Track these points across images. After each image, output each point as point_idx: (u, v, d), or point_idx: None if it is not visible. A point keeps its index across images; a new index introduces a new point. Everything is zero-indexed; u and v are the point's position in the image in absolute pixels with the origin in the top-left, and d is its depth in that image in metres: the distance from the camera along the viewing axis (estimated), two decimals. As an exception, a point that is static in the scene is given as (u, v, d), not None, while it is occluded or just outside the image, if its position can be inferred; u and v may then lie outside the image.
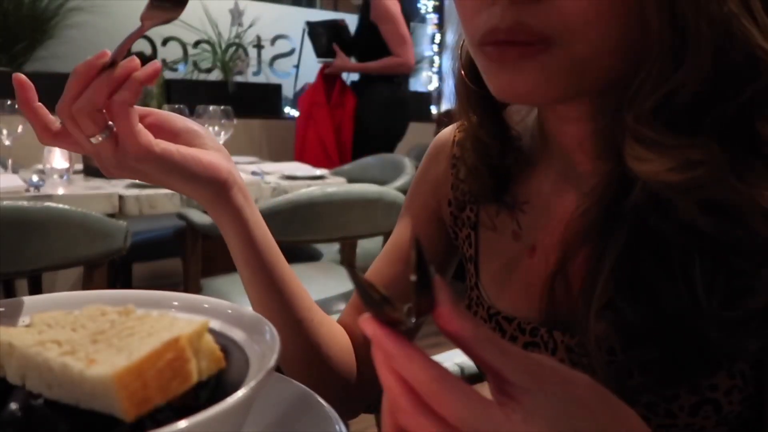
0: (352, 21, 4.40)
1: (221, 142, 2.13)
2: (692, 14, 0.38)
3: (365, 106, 3.02)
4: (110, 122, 0.47)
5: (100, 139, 0.47)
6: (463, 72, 0.53)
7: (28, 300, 0.42)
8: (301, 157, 2.95)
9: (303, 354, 0.58)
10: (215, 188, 0.53)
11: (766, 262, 0.40)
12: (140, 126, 0.48)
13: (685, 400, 0.43)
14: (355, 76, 3.21)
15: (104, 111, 0.47)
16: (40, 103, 0.48)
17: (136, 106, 0.48)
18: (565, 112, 0.49)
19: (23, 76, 0.47)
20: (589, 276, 0.45)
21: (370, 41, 2.90)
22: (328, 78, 3.05)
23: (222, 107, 2.13)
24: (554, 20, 0.39)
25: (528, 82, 0.42)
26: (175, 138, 0.52)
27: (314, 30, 3.23)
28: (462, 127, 0.61)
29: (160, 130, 0.52)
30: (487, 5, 0.41)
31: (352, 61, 3.06)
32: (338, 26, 3.15)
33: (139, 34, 0.47)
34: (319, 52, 3.16)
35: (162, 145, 0.49)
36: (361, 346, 0.63)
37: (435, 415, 0.27)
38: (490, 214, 0.58)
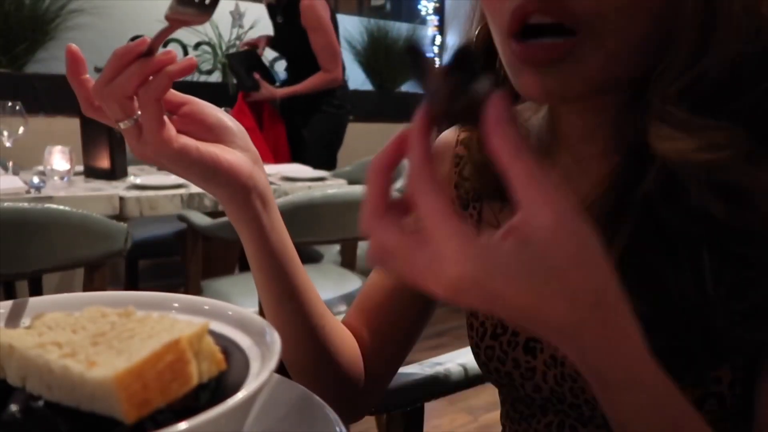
0: (352, 22, 4.41)
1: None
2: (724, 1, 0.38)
3: (308, 136, 2.91)
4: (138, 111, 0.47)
5: (126, 125, 0.47)
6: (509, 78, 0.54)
7: (29, 301, 0.42)
8: None
9: (313, 360, 0.58)
10: (232, 190, 0.52)
11: None
12: (165, 119, 0.48)
13: (690, 392, 0.43)
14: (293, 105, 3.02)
15: (135, 98, 0.47)
16: (87, 76, 0.49)
17: (177, 92, 0.50)
18: (575, 106, 0.50)
19: (75, 48, 0.48)
20: None
21: (299, 47, 2.80)
22: (253, 104, 2.91)
23: (222, 108, 2.13)
24: (585, 3, 0.39)
25: (557, 82, 0.42)
26: (207, 132, 0.52)
27: (233, 63, 3.04)
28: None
29: (193, 121, 0.51)
30: None
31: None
32: (254, 54, 2.97)
33: (169, 31, 0.47)
34: (245, 85, 2.92)
35: (182, 141, 0.49)
36: (367, 347, 0.63)
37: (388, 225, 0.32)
38: (494, 210, 0.58)
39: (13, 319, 0.41)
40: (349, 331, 0.64)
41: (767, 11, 0.38)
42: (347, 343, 0.61)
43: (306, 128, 2.93)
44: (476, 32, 0.53)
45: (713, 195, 0.40)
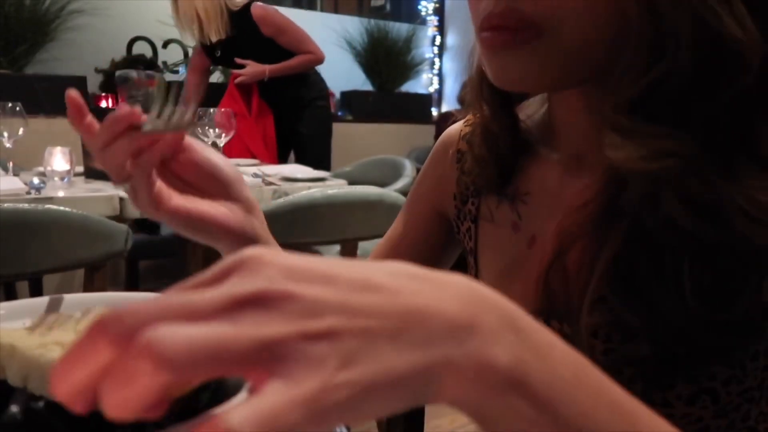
0: (352, 23, 4.41)
1: (222, 144, 2.14)
2: (669, 5, 0.39)
3: (307, 132, 2.90)
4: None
5: (123, 187, 0.52)
6: (482, 64, 0.55)
7: (29, 302, 0.42)
8: None
9: None
10: (227, 242, 0.55)
11: (752, 265, 0.40)
12: (157, 184, 0.51)
13: (682, 388, 0.43)
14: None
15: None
16: (89, 119, 0.51)
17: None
18: (571, 103, 0.51)
19: (75, 93, 0.49)
20: (584, 269, 0.46)
21: (271, 54, 2.77)
22: (242, 87, 2.86)
23: (223, 109, 2.13)
24: (545, 8, 0.42)
25: (519, 68, 0.45)
26: (202, 180, 0.54)
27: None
28: (469, 122, 0.63)
29: (189, 169, 0.54)
30: None
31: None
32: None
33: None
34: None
35: (173, 203, 0.52)
36: None
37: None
38: (490, 206, 0.59)
39: (13, 319, 0.40)
40: None
41: (714, 21, 0.38)
42: None
43: (301, 124, 2.91)
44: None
45: (680, 206, 0.40)
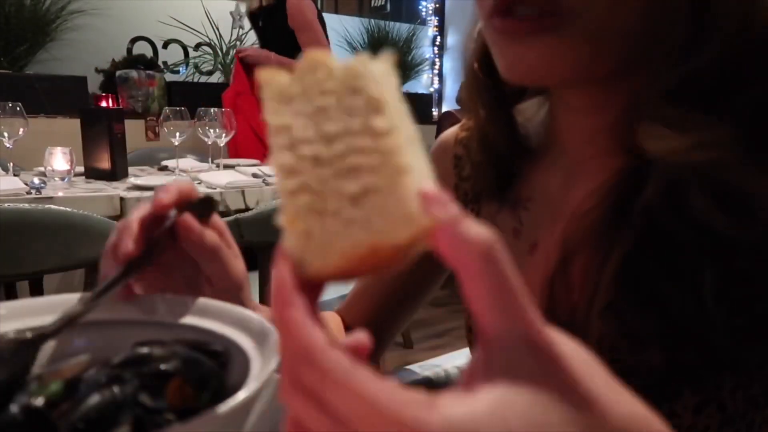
0: (352, 23, 4.41)
1: (222, 144, 2.14)
2: None
3: None
4: None
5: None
6: (476, 63, 0.52)
7: (29, 302, 0.42)
8: (236, 153, 2.79)
9: None
10: None
11: None
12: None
13: (689, 398, 0.42)
14: None
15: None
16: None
17: (193, 222, 0.44)
18: (575, 103, 0.48)
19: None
20: (589, 277, 0.44)
21: (287, 44, 2.75)
22: (247, 67, 2.86)
23: (223, 109, 2.13)
24: None
25: (539, 57, 0.40)
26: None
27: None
28: (466, 126, 0.61)
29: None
30: None
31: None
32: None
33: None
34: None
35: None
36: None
37: (315, 400, 0.21)
38: (491, 212, 0.57)
39: (13, 320, 0.40)
40: (340, 320, 0.66)
41: (761, 5, 0.37)
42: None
43: None
44: (476, 31, 0.53)
45: (712, 202, 0.38)
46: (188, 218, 0.44)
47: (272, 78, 0.25)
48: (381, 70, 0.25)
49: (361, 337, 0.24)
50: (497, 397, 0.20)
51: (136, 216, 0.43)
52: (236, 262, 0.48)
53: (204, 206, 0.45)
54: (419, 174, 0.23)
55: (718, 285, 0.39)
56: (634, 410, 0.22)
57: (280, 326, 0.22)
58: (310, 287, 0.23)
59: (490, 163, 0.55)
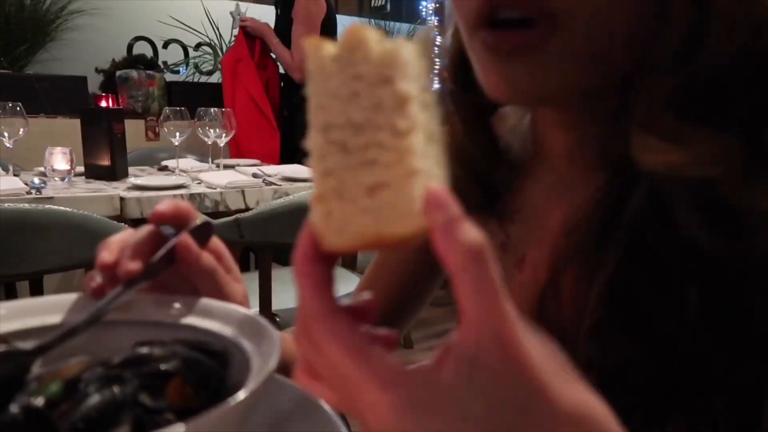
0: (353, 23, 4.40)
1: (222, 144, 2.14)
2: None
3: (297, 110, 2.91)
4: None
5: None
6: (451, 72, 0.49)
7: (29, 302, 0.42)
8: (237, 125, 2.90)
9: None
10: None
11: (765, 282, 0.36)
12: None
13: (680, 422, 0.40)
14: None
15: None
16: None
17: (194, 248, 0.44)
18: (555, 118, 0.46)
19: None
20: (578, 295, 0.43)
21: (286, 34, 2.81)
22: (249, 36, 2.94)
23: (223, 109, 2.13)
24: None
25: (525, 76, 0.38)
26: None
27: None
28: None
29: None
30: None
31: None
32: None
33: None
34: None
35: None
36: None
37: (317, 348, 0.26)
38: (477, 225, 0.54)
39: (13, 320, 0.40)
40: None
41: (763, 11, 0.34)
42: None
43: (294, 126, 2.95)
44: (451, 34, 0.50)
45: (698, 218, 0.36)
46: (186, 239, 0.44)
47: (316, 51, 0.26)
48: (414, 52, 0.26)
49: (364, 297, 0.29)
50: (459, 375, 0.24)
51: (135, 237, 0.43)
52: (235, 285, 0.47)
53: (202, 231, 0.45)
54: (429, 175, 0.25)
55: (705, 304, 0.37)
56: (582, 399, 0.25)
57: (298, 286, 0.27)
58: (327, 256, 0.27)
59: (470, 179, 0.52)
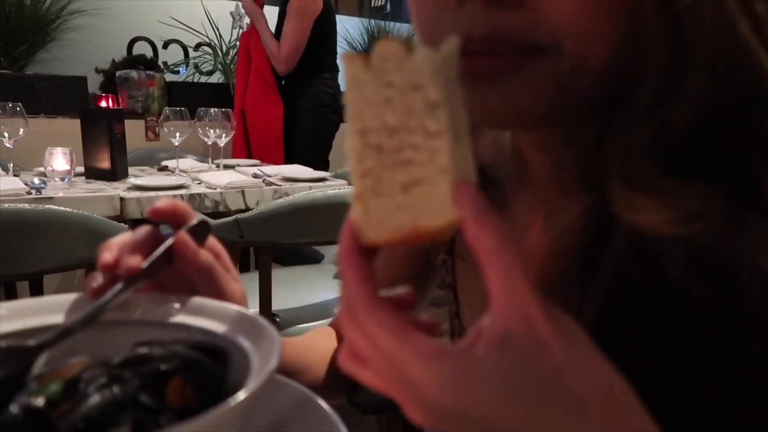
0: (352, 23, 4.41)
1: (222, 144, 2.14)
2: (696, 33, 0.32)
3: (301, 105, 2.91)
4: None
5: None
6: None
7: (29, 302, 0.42)
8: (246, 104, 2.91)
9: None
10: None
11: (759, 336, 0.33)
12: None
13: None
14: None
15: None
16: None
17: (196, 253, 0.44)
18: (533, 139, 0.45)
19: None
20: None
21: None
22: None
23: (223, 110, 2.13)
24: (535, 30, 0.34)
25: (504, 101, 0.36)
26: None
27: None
28: None
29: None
30: (450, 7, 0.35)
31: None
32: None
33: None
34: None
35: None
36: None
37: (362, 331, 0.29)
38: (462, 247, 0.53)
39: (13, 320, 0.40)
40: (334, 334, 0.65)
41: (745, 53, 0.32)
42: (323, 362, 0.62)
43: (295, 125, 2.95)
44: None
45: (688, 267, 0.34)
46: (184, 237, 0.44)
47: (352, 63, 0.29)
48: (440, 61, 0.28)
49: (403, 291, 0.31)
50: (491, 353, 0.26)
51: (134, 236, 0.43)
52: (233, 284, 0.47)
53: (199, 229, 0.45)
54: (460, 171, 0.28)
55: (693, 347, 0.35)
56: (605, 373, 0.27)
57: (343, 278, 0.29)
58: (367, 250, 0.30)
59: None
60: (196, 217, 0.46)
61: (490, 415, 0.26)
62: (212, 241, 0.47)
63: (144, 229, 0.44)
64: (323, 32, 2.81)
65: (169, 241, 0.43)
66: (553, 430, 0.26)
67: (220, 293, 0.45)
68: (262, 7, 2.92)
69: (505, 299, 0.26)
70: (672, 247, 0.35)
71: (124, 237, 0.44)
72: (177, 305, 0.43)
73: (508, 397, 0.26)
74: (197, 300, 0.43)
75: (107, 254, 0.42)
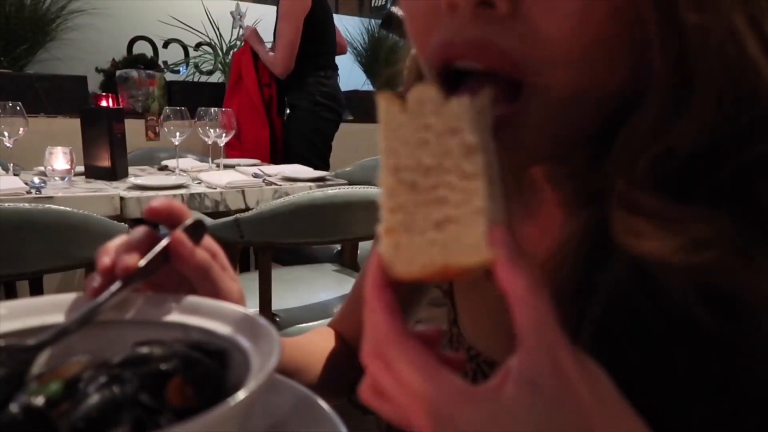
0: (352, 22, 4.40)
1: (222, 144, 2.14)
2: (702, 53, 0.31)
3: (292, 134, 2.94)
4: None
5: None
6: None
7: (29, 302, 0.42)
8: (231, 102, 2.92)
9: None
10: None
11: (765, 362, 0.32)
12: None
13: None
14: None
15: None
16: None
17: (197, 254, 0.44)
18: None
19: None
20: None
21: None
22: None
23: (223, 109, 2.13)
24: (528, 45, 0.33)
25: (512, 151, 0.35)
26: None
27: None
28: None
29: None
30: (443, 20, 0.35)
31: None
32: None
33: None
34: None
35: None
36: (356, 343, 0.63)
37: (388, 368, 0.28)
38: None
39: (13, 320, 0.40)
40: (333, 334, 0.65)
41: (753, 75, 0.31)
42: (320, 362, 0.62)
43: (290, 124, 2.96)
44: (409, 57, 0.48)
45: (695, 296, 0.33)
46: (180, 235, 0.44)
47: (389, 103, 0.30)
48: (476, 108, 0.30)
49: (431, 330, 0.32)
50: (519, 396, 0.26)
51: (131, 236, 0.43)
52: (230, 283, 0.46)
53: (196, 228, 0.45)
54: (492, 213, 0.28)
55: (693, 374, 0.34)
56: (630, 426, 0.27)
57: (370, 311, 0.29)
58: (394, 283, 0.29)
59: None
60: (192, 216, 0.46)
61: None
62: (208, 240, 0.47)
63: (141, 229, 0.44)
64: (317, 31, 2.80)
65: (165, 241, 0.44)
66: None
67: (217, 292, 0.45)
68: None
69: (534, 344, 0.27)
70: (675, 272, 0.33)
71: (122, 239, 0.44)
72: (176, 305, 0.43)
73: None
74: (196, 299, 0.43)
75: (105, 258, 0.42)
